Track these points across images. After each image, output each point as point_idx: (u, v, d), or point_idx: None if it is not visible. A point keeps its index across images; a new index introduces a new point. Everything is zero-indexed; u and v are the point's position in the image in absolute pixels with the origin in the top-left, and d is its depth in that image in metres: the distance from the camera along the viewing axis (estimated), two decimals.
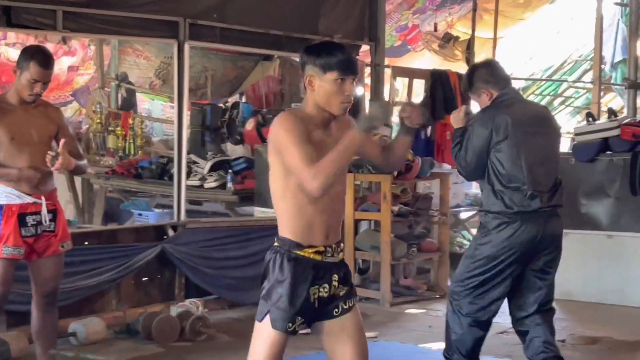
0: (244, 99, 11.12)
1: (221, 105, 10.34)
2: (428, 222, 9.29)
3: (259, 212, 8.89)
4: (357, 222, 8.68)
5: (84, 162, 5.33)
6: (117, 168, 9.85)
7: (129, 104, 10.91)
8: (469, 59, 11.10)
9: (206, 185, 9.16)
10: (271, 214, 8.58)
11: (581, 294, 8.47)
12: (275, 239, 3.70)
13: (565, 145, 10.74)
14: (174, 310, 7.04)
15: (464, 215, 10.88)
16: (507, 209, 5.25)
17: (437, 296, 8.75)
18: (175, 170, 7.74)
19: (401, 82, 11.54)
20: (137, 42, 10.35)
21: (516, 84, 11.98)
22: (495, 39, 11.84)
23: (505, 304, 5.48)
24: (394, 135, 5.34)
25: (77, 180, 9.79)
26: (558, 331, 5.63)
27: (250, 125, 9.44)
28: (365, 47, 9.50)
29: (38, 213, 5.16)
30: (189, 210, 8.09)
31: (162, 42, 9.05)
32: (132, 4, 7.27)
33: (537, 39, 15.88)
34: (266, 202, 8.83)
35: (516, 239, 5.23)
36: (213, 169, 9.27)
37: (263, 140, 9.14)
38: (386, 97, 9.75)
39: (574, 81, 16.54)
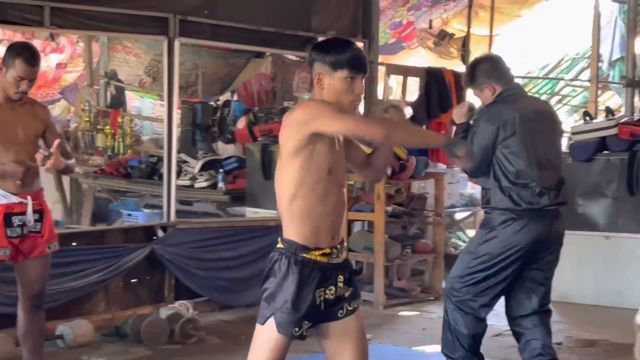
0: (235, 97, 11.12)
1: (212, 103, 10.34)
2: (422, 223, 9.29)
3: (250, 212, 8.90)
4: (350, 223, 8.68)
5: (72, 161, 5.32)
6: (106, 167, 9.85)
7: (118, 102, 10.90)
8: (464, 57, 11.10)
9: (197, 185, 9.16)
10: (263, 214, 8.67)
11: (578, 296, 8.47)
12: (280, 241, 3.69)
13: (562, 145, 10.74)
14: (164, 312, 7.02)
15: (459, 215, 10.88)
16: (516, 206, 5.24)
17: (432, 298, 8.75)
18: (165, 170, 7.72)
19: (395, 80, 11.54)
20: (126, 38, 10.35)
21: None
22: (491, 36, 11.84)
23: (500, 303, 5.49)
24: None
25: (65, 179, 9.78)
26: (554, 334, 5.63)
27: (241, 123, 9.42)
28: (358, 45, 9.49)
29: (24, 213, 5.14)
30: (179, 211, 8.08)
31: (151, 39, 9.05)
32: None
33: (534, 37, 15.89)
34: (258, 202, 8.85)
35: (522, 236, 5.23)
36: (204, 168, 9.27)
37: (255, 139, 9.14)
38: (380, 95, 9.74)
39: (571, 79, 16.55)
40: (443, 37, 12.15)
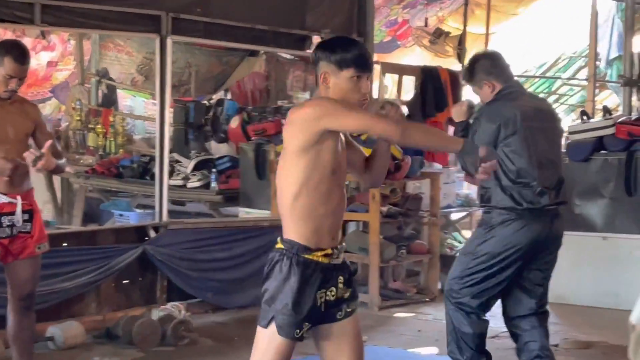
0: (228, 96, 11.11)
1: (205, 102, 10.34)
2: (418, 223, 9.28)
3: (243, 212, 8.89)
4: (344, 223, 8.67)
5: (63, 161, 5.30)
6: (97, 167, 9.84)
7: (109, 100, 10.88)
8: (460, 55, 11.11)
9: (189, 185, 9.15)
10: (256, 214, 8.66)
11: (575, 298, 8.48)
12: (280, 241, 3.66)
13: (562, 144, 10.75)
14: (156, 314, 7.01)
15: (454, 216, 10.87)
16: (517, 205, 5.23)
17: (427, 299, 8.75)
18: (157, 170, 7.70)
19: (390, 79, 11.53)
20: (118, 36, 10.33)
21: None
22: (487, 35, 11.85)
23: (497, 304, 5.48)
24: None
25: (56, 179, 9.77)
26: (551, 335, 5.63)
27: (235, 122, 9.42)
28: None
29: (13, 213, 5.13)
30: (172, 211, 8.07)
31: (144, 37, 9.03)
32: None
33: (531, 35, 15.89)
34: (251, 203, 8.85)
35: (522, 236, 5.22)
36: (196, 168, 9.27)
37: (248, 138, 9.14)
38: (375, 94, 9.74)
39: (568, 78, 16.57)
40: (439, 35, 12.15)
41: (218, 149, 10.07)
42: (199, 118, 9.94)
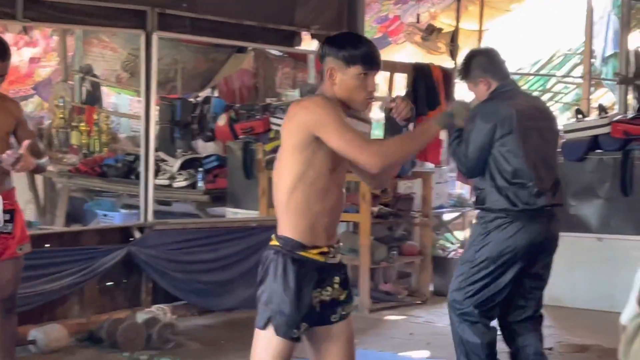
0: (216, 94, 11.11)
1: (192, 99, 10.33)
2: (409, 224, 9.29)
3: (231, 213, 8.89)
4: None
5: (45, 159, 5.29)
6: (80, 166, 9.82)
7: (93, 98, 10.85)
8: (453, 52, 11.12)
9: (175, 185, 9.15)
10: (244, 215, 8.66)
11: (569, 300, 8.50)
12: (274, 238, 3.65)
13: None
14: (141, 316, 7.01)
15: (447, 216, 10.89)
16: (512, 206, 5.22)
17: (419, 302, 8.76)
18: (142, 169, 7.70)
19: (382, 76, 11.54)
20: (102, 32, 10.31)
21: None
22: (480, 31, 11.88)
23: None
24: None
25: (39, 179, 9.75)
26: (545, 338, 5.64)
27: (222, 121, 9.42)
28: None
29: None
30: (157, 211, 8.06)
31: (129, 33, 9.01)
32: None
33: (525, 32, 15.93)
34: (239, 203, 8.84)
35: (519, 239, 5.21)
36: (183, 167, 9.26)
37: (236, 136, 9.14)
38: None
39: (563, 76, 16.60)
40: (431, 31, 12.17)
41: (205, 147, 10.07)
42: (186, 116, 9.93)
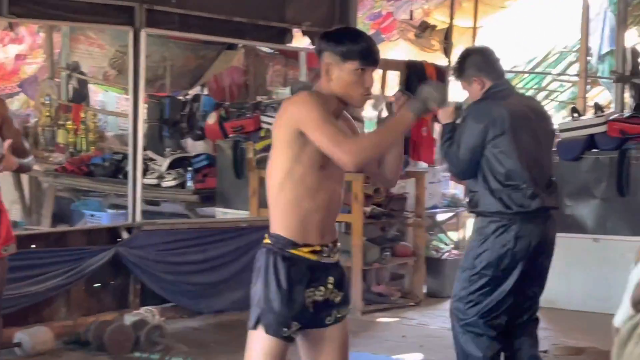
0: (205, 91, 11.10)
1: (181, 97, 10.32)
2: (402, 224, 9.29)
3: (220, 213, 8.88)
4: None
5: (30, 159, 5.27)
6: (67, 165, 9.80)
7: (80, 95, 10.83)
8: (446, 50, 11.12)
9: (164, 184, 9.14)
10: (234, 215, 8.65)
11: (565, 301, 8.50)
12: (267, 236, 3.65)
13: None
14: (128, 319, 7.00)
15: (441, 216, 10.89)
16: (507, 209, 5.20)
17: (412, 304, 8.77)
18: (130, 168, 7.69)
19: (374, 74, 11.53)
20: (90, 29, 10.29)
21: None
22: (474, 28, 11.87)
23: None
24: None
25: (24, 178, 9.73)
26: (541, 341, 5.65)
27: (212, 119, 9.40)
28: None
29: None
30: (145, 211, 8.05)
31: (116, 29, 8.99)
32: None
33: (520, 29, 15.95)
34: (229, 202, 8.83)
35: (516, 243, 5.20)
36: (172, 166, 9.25)
37: (226, 135, 9.13)
38: None
39: (559, 74, 16.62)
40: (424, 28, 12.17)
41: (194, 146, 10.06)
42: (175, 114, 9.92)
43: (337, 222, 3.87)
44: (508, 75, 15.62)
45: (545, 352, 6.73)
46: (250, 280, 3.67)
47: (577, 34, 12.53)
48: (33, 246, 7.02)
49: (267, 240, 3.65)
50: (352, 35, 3.71)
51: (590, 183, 8.64)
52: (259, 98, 10.22)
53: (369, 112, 10.24)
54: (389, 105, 3.78)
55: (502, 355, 5.46)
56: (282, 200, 3.60)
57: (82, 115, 10.35)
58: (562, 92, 16.89)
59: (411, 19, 12.77)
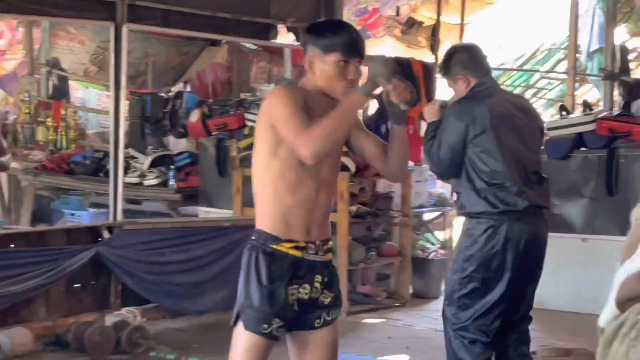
0: (188, 88, 11.10)
1: (163, 94, 10.30)
2: (388, 224, 9.30)
3: (203, 212, 8.87)
4: None
5: (7, 157, 5.28)
6: (47, 163, 9.78)
7: (61, 92, 10.82)
8: (433, 46, 11.14)
9: (146, 183, 9.13)
10: (217, 214, 8.64)
11: (553, 302, 8.51)
12: (253, 233, 3.66)
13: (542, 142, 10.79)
14: (109, 319, 6.99)
15: (427, 216, 10.90)
16: (493, 208, 5.19)
17: (398, 304, 8.77)
18: (111, 166, 7.67)
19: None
20: (70, 24, 10.28)
21: None
22: (462, 25, 11.90)
23: None
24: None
25: (3, 176, 9.71)
26: None
27: (195, 116, 9.39)
28: None
29: None
30: (127, 210, 8.04)
31: (97, 25, 8.98)
32: None
33: (508, 25, 15.98)
34: (212, 201, 8.83)
35: (506, 243, 5.18)
36: (153, 164, 9.24)
37: (209, 133, 9.12)
38: None
39: (547, 71, 16.67)
40: (411, 25, 12.19)
41: (177, 144, 10.04)
42: (157, 111, 9.90)
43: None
44: (496, 73, 15.74)
45: (533, 353, 6.73)
46: (234, 280, 3.67)
47: (565, 31, 12.55)
48: (12, 246, 7.00)
49: (253, 237, 3.65)
50: (334, 26, 3.71)
51: (578, 182, 8.66)
52: (242, 95, 10.21)
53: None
54: (385, 96, 3.67)
55: (493, 353, 5.47)
56: (263, 196, 3.62)
57: (63, 112, 10.34)
58: (550, 90, 16.95)
59: (398, 15, 12.79)
